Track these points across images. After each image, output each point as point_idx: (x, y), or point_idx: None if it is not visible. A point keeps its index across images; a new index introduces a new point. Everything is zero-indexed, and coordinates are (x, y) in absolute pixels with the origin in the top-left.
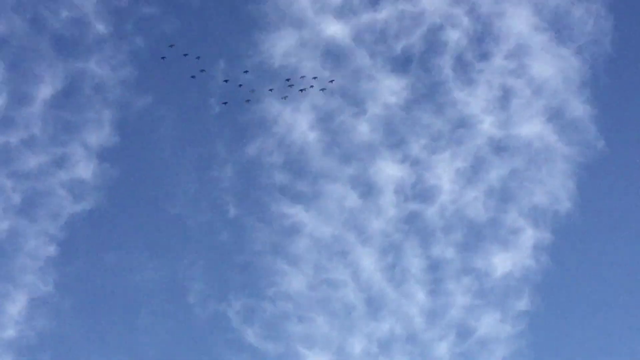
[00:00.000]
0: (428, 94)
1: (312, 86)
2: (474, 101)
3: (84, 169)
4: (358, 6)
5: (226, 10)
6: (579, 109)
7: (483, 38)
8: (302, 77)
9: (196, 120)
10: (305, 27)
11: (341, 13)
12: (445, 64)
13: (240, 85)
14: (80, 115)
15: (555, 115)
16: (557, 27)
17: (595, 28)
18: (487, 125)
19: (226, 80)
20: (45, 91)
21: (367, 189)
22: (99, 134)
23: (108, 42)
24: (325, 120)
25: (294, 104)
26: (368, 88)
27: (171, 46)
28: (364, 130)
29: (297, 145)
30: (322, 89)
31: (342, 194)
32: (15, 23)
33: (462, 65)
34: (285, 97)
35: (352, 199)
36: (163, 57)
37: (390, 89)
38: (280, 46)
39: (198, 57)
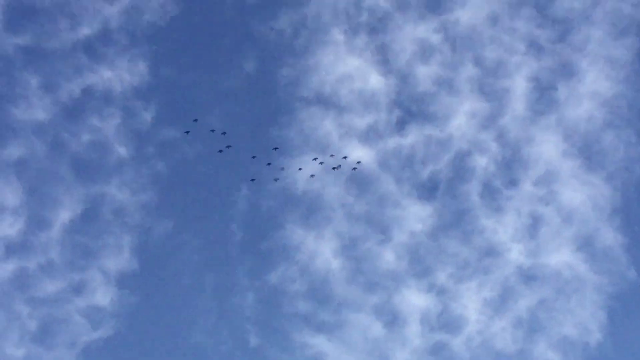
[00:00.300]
0: (455, 221)
1: (340, 166)
2: (502, 229)
3: (102, 296)
4: (384, 131)
5: (250, 134)
6: (609, 237)
7: (511, 164)
8: (332, 155)
9: (217, 247)
10: (330, 151)
11: (367, 138)
12: (472, 191)
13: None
14: (99, 240)
15: (585, 244)
16: (587, 154)
17: (625, 155)
18: (516, 254)
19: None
20: (64, 215)
21: (392, 319)
22: (118, 260)
23: (129, 166)
24: (349, 248)
25: (318, 230)
26: (393, 215)
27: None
28: (389, 258)
29: (321, 273)
30: (354, 168)
31: (366, 324)
32: (36, 146)
33: (490, 192)
34: (312, 176)
35: (377, 329)
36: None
37: (416, 216)
38: (304, 171)
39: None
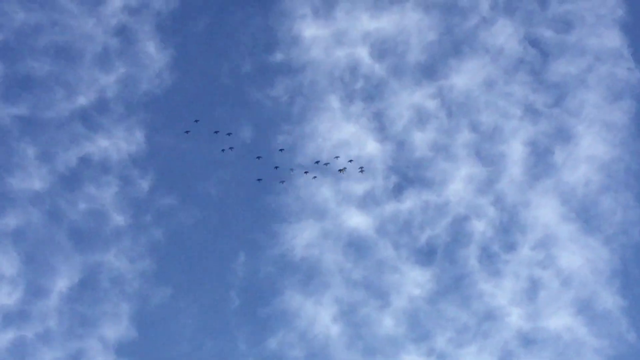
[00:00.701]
0: (453, 286)
1: (345, 168)
2: (501, 293)
3: None
4: (381, 197)
5: (246, 201)
6: (608, 300)
7: (509, 228)
8: (337, 157)
9: (216, 314)
10: (328, 218)
11: (364, 204)
12: (470, 255)
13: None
14: (97, 309)
15: (584, 307)
16: (585, 217)
17: (623, 218)
18: (515, 318)
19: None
20: (61, 284)
21: None
22: (117, 328)
23: (126, 234)
24: (348, 313)
25: (316, 296)
26: (392, 280)
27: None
28: (388, 323)
29: (320, 339)
30: (361, 169)
31: None
32: (32, 215)
33: (488, 256)
34: (314, 177)
35: None
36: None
37: (414, 281)
38: (302, 238)
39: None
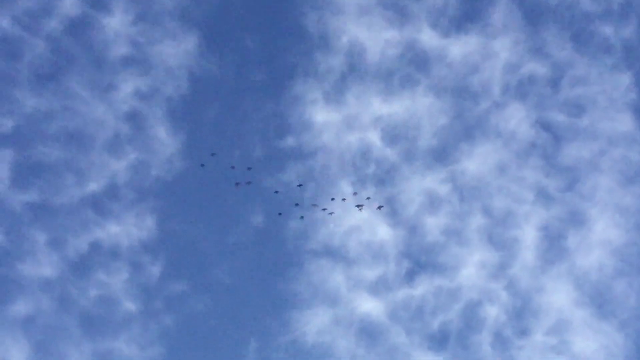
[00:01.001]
0: None
1: (363, 205)
2: None
3: None
4: (393, 282)
5: (257, 287)
6: None
7: (522, 314)
8: (355, 193)
9: None
10: (340, 304)
11: (376, 289)
12: (483, 341)
13: None
14: None
15: None
16: (599, 302)
17: (637, 302)
18: None
19: None
20: None
21: None
22: None
23: (137, 321)
24: None
25: None
26: None
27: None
28: None
29: None
30: (379, 207)
31: None
32: (43, 302)
33: (501, 342)
34: (332, 214)
35: None
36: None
37: None
38: (314, 324)
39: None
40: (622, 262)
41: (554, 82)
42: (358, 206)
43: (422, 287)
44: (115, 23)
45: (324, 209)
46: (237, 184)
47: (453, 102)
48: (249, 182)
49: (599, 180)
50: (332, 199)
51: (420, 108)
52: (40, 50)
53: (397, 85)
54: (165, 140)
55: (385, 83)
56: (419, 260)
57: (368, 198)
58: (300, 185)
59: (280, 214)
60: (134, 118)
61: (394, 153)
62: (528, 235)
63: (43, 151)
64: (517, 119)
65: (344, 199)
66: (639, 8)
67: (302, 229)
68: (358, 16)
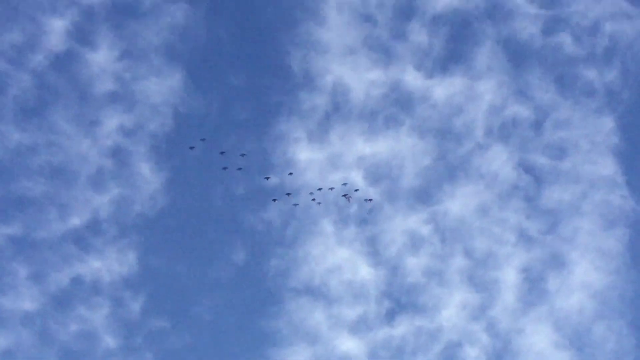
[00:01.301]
0: None
1: (350, 196)
2: None
3: None
4: (373, 322)
5: (238, 325)
6: None
7: (502, 355)
8: (345, 184)
9: None
10: (320, 342)
11: (356, 328)
12: None
13: None
14: None
15: None
16: (579, 345)
17: (617, 346)
18: None
19: None
20: None
21: None
22: None
23: (117, 356)
24: None
25: None
26: None
27: None
28: None
29: None
30: (368, 200)
31: None
32: (22, 336)
33: None
34: (319, 203)
35: None
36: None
37: None
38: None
39: None
40: (602, 305)
41: (537, 125)
42: (345, 196)
43: (403, 327)
44: (101, 58)
45: (311, 193)
46: (224, 168)
47: (436, 143)
48: (239, 169)
49: (580, 223)
50: (320, 189)
51: (403, 148)
52: (25, 84)
53: (381, 125)
54: (148, 176)
55: (369, 123)
56: (400, 300)
57: (356, 190)
58: (275, 200)
59: (275, 199)
60: (117, 154)
61: (377, 192)
62: (509, 277)
63: (26, 185)
64: (499, 161)
65: (331, 188)
66: (622, 52)
67: (284, 266)
68: (343, 56)
